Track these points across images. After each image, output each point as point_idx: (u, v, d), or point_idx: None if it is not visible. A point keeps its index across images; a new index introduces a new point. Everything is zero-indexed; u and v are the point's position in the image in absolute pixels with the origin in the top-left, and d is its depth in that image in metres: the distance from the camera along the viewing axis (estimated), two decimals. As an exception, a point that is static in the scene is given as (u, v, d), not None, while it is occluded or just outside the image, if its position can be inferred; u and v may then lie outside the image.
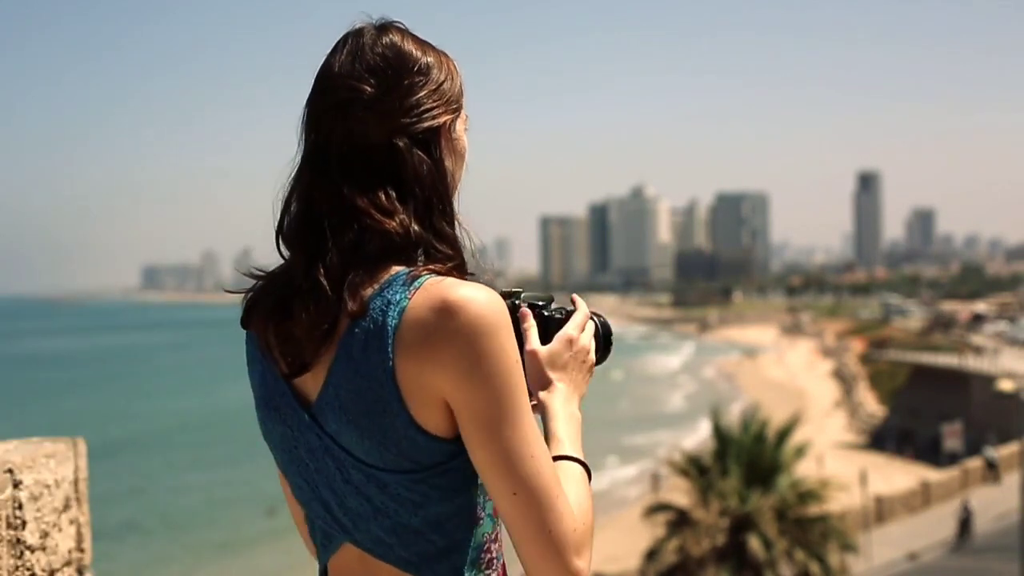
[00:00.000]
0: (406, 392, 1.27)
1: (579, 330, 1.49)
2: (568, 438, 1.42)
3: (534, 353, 1.46)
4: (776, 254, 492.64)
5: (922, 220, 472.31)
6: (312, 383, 1.34)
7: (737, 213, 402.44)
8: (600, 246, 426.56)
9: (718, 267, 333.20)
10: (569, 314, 1.51)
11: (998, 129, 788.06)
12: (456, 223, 1.40)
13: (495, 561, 1.38)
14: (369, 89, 1.35)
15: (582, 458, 1.40)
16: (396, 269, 1.31)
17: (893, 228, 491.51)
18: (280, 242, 1.40)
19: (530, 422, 1.29)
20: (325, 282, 1.30)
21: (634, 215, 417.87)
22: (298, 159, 1.39)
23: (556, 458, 1.37)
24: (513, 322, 1.33)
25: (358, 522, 1.34)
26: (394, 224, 1.31)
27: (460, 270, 1.34)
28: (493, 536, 1.38)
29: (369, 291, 1.29)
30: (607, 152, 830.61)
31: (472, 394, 1.26)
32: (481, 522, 1.35)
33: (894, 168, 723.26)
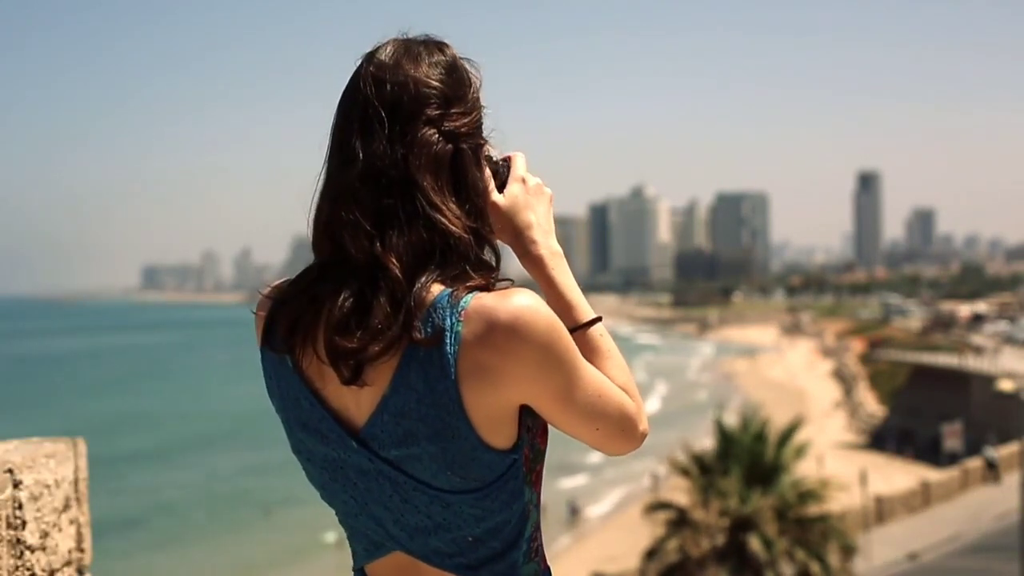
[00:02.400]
0: (474, 416, 1.27)
1: (525, 171, 1.52)
2: (573, 295, 1.46)
3: (496, 205, 1.47)
4: (776, 254, 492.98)
5: (922, 220, 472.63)
6: (355, 408, 1.32)
7: (737, 213, 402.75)
8: (600, 246, 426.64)
9: (718, 267, 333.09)
10: (508, 160, 1.54)
11: (998, 129, 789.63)
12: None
13: (540, 548, 1.43)
14: (445, 91, 1.36)
15: (586, 313, 1.45)
16: (438, 289, 1.28)
17: (893, 228, 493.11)
18: (328, 230, 1.34)
19: (588, 372, 1.35)
20: (399, 273, 1.27)
21: (634, 215, 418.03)
22: (358, 150, 1.32)
23: (579, 327, 1.43)
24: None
25: (415, 536, 1.34)
26: (461, 227, 1.33)
27: (495, 279, 1.35)
28: (536, 524, 1.41)
29: (419, 314, 1.27)
30: (607, 152, 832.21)
31: (545, 385, 1.30)
32: (530, 516, 1.38)
33: (894, 168, 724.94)
